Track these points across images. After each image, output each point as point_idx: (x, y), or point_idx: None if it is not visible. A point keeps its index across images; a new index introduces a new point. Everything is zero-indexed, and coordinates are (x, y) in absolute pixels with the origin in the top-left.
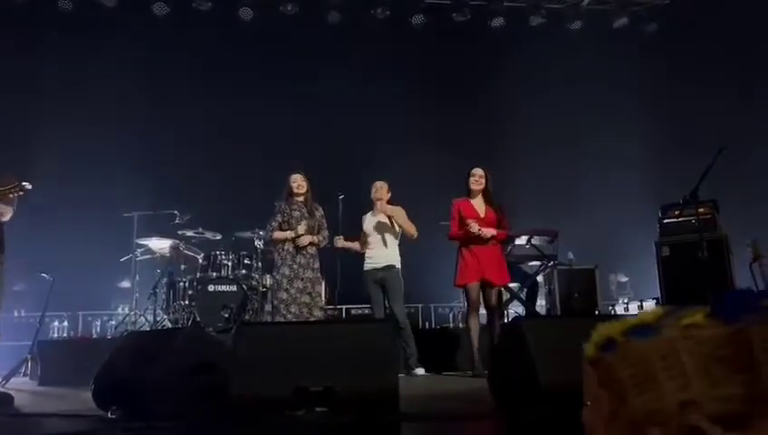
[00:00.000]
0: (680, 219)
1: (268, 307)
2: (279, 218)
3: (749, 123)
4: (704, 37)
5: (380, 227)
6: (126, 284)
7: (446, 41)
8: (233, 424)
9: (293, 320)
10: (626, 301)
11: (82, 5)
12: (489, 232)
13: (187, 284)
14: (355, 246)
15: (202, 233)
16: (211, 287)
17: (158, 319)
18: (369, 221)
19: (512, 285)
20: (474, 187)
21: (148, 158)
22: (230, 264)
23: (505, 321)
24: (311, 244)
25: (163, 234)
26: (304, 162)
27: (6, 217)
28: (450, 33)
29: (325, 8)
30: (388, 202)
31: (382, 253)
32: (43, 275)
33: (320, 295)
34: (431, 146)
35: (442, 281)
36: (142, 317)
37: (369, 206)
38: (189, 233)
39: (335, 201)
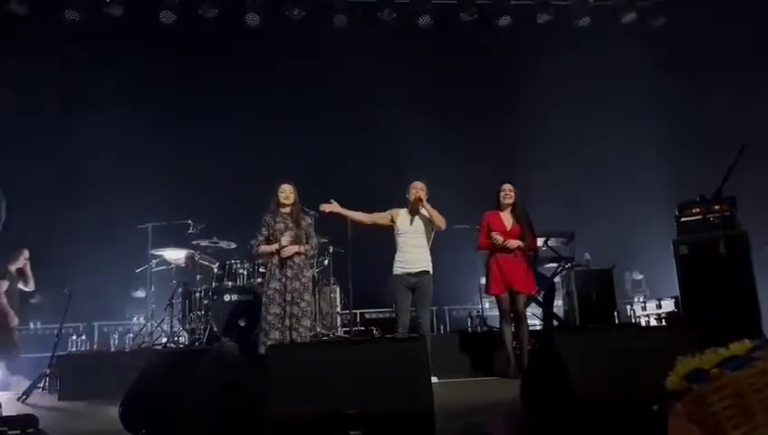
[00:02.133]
0: (699, 217)
1: (262, 323)
2: (264, 232)
3: (764, 118)
4: (714, 29)
5: (417, 230)
6: (141, 293)
7: (454, 41)
8: None
9: (285, 331)
10: (642, 299)
11: (90, 16)
12: (514, 244)
13: (202, 293)
14: (347, 213)
15: (216, 242)
16: (227, 297)
17: (175, 330)
18: (404, 220)
19: None
20: (504, 200)
21: (160, 168)
22: (245, 272)
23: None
24: (297, 253)
25: (178, 244)
26: (314, 165)
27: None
28: (457, 33)
29: (331, 11)
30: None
31: (417, 257)
32: (61, 288)
33: (309, 304)
34: (444, 148)
35: (457, 284)
36: (159, 328)
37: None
38: (204, 242)
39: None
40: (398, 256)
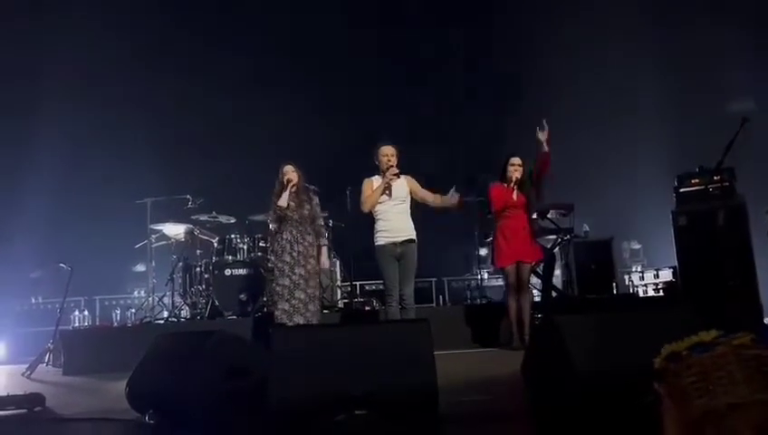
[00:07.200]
0: (698, 188)
1: (271, 293)
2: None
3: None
4: None
5: (397, 196)
6: (141, 267)
7: (447, 7)
8: (273, 432)
9: (298, 304)
10: (640, 268)
11: None
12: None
13: (203, 268)
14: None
15: (216, 217)
16: (228, 271)
17: (176, 304)
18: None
19: None
20: (513, 175)
21: (159, 143)
22: (245, 247)
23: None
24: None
25: (177, 219)
26: (312, 140)
27: None
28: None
29: None
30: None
31: (400, 225)
32: (62, 265)
33: (318, 288)
34: (440, 115)
35: (456, 255)
36: (160, 303)
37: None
38: (203, 217)
39: (342, 188)
40: (379, 226)
